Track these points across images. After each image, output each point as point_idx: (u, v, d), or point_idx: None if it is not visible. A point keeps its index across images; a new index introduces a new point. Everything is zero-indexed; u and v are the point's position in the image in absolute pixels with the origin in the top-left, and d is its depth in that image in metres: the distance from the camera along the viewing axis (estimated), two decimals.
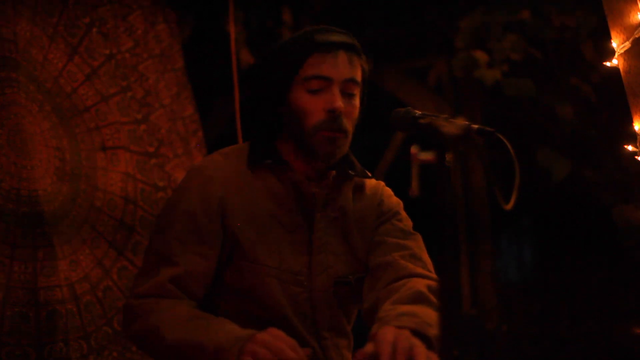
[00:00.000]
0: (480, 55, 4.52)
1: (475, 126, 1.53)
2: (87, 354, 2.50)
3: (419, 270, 1.78)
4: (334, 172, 1.82)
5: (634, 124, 1.98)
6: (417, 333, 1.54)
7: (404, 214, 1.92)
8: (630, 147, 2.00)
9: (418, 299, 1.68)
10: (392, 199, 1.93)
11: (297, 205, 1.78)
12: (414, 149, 1.50)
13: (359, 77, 1.76)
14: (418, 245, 1.86)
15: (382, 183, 1.97)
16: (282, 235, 1.75)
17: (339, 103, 1.71)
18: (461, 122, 1.55)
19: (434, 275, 1.79)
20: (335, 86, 1.73)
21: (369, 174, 1.91)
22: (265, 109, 1.79)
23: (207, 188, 1.72)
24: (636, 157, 1.99)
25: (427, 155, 1.48)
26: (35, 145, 2.46)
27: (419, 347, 1.46)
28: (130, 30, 2.93)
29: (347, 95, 1.74)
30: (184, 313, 1.63)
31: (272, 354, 1.43)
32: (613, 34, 1.99)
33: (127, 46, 2.91)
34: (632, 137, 1.99)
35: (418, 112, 1.68)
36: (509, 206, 1.45)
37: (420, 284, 1.72)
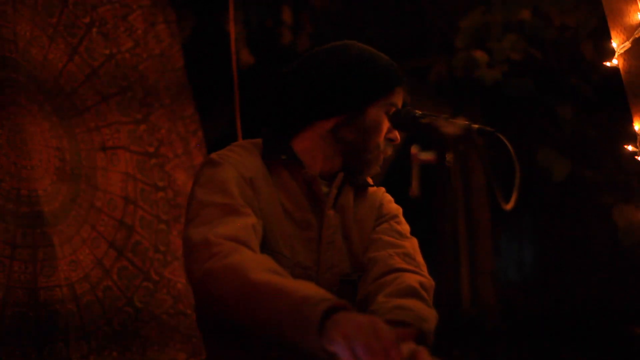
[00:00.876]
0: (480, 55, 4.52)
1: (475, 126, 1.53)
2: (87, 354, 2.50)
3: (411, 267, 1.80)
4: (342, 174, 1.85)
5: (634, 124, 1.98)
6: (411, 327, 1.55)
7: (402, 219, 1.96)
8: (630, 147, 2.00)
9: (411, 293, 1.70)
10: (392, 204, 1.98)
11: (308, 203, 1.80)
12: (414, 149, 1.50)
13: None
14: (413, 247, 1.88)
15: (383, 189, 2.01)
16: (294, 231, 1.77)
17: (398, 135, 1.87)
18: (461, 122, 1.56)
19: (426, 275, 1.81)
20: None
21: (371, 182, 1.94)
22: (324, 111, 1.82)
23: (239, 168, 1.73)
24: (636, 157, 1.99)
25: (427, 155, 1.48)
26: (35, 145, 2.46)
27: (423, 352, 1.45)
28: (130, 30, 2.93)
29: None
30: (270, 263, 1.56)
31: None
32: (613, 34, 1.99)
33: (127, 46, 2.91)
34: (632, 137, 1.99)
35: (418, 112, 1.69)
36: (509, 206, 1.45)
37: (412, 279, 1.74)
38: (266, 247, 1.71)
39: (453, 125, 1.53)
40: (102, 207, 2.69)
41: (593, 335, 5.02)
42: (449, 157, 1.46)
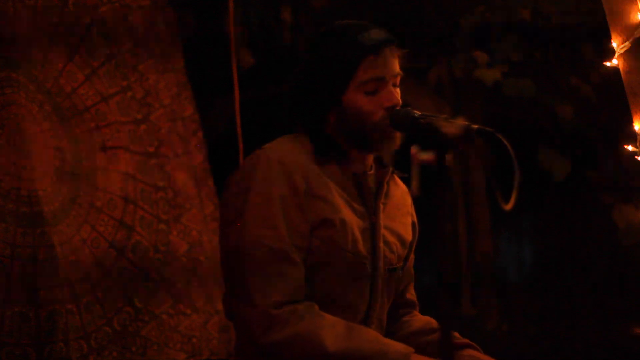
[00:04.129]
0: (480, 55, 4.52)
1: (475, 126, 1.53)
2: (87, 354, 2.50)
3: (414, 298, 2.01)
4: (391, 168, 1.87)
5: (634, 124, 1.98)
6: None
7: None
8: (630, 147, 2.00)
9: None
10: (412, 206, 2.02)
11: (359, 195, 1.81)
12: (414, 149, 1.50)
13: (399, 68, 1.81)
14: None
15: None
16: (356, 220, 1.78)
17: (397, 99, 1.77)
18: (461, 122, 1.55)
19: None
20: (389, 84, 1.77)
21: (405, 174, 1.95)
22: (317, 110, 1.81)
23: (292, 178, 1.70)
24: (636, 157, 1.99)
25: (427, 156, 1.48)
26: (35, 145, 2.46)
27: None
28: (130, 30, 2.93)
29: (395, 87, 1.80)
30: (340, 326, 1.67)
31: None
32: (613, 34, 1.99)
33: (127, 46, 2.91)
34: (632, 137, 1.99)
35: (418, 112, 1.69)
36: (509, 206, 1.45)
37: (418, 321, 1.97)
38: (319, 238, 1.72)
39: (453, 126, 1.53)
40: (102, 207, 2.69)
41: (593, 335, 5.02)
42: (449, 157, 1.46)
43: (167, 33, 3.09)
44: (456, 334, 1.84)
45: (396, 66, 1.79)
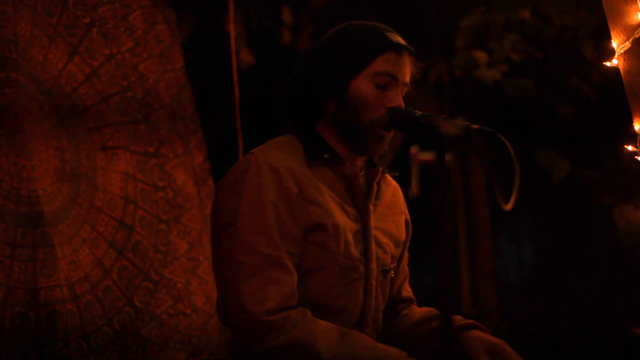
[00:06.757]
0: (480, 55, 4.51)
1: (475, 126, 1.53)
2: (87, 354, 2.50)
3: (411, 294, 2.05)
4: (381, 168, 1.88)
5: (634, 124, 1.98)
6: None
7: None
8: (630, 147, 2.00)
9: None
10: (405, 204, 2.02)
11: (350, 197, 1.81)
12: (413, 149, 1.50)
13: (409, 81, 1.84)
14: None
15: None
16: (348, 223, 1.78)
17: (401, 101, 1.78)
18: (461, 122, 1.56)
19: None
20: (398, 86, 1.79)
21: (396, 173, 1.95)
22: (318, 96, 1.81)
23: (283, 183, 1.70)
24: (636, 157, 2.00)
25: (426, 155, 1.48)
26: (35, 145, 2.46)
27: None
28: (130, 30, 2.93)
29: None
30: (333, 331, 1.67)
31: None
32: (613, 34, 1.99)
33: (127, 46, 2.91)
34: (632, 137, 1.99)
35: (418, 112, 1.69)
36: (509, 206, 1.45)
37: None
38: (312, 243, 1.72)
39: (453, 126, 1.54)
40: (102, 207, 2.69)
41: (593, 335, 5.03)
42: (448, 157, 1.46)
43: (167, 33, 3.09)
44: (459, 317, 1.84)
45: (408, 76, 1.81)
